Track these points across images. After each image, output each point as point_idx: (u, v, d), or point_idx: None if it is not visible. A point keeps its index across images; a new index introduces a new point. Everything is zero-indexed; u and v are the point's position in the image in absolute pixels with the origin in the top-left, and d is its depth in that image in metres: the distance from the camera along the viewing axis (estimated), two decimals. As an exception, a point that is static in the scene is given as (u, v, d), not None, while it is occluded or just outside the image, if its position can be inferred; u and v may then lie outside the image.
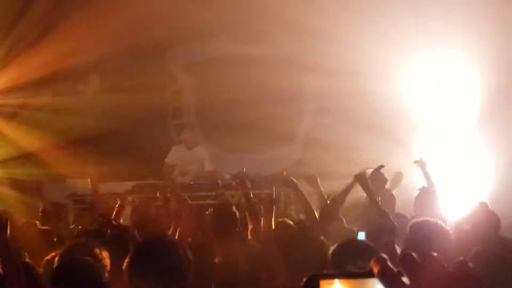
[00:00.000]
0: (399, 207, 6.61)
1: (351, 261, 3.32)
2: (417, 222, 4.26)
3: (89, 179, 7.68)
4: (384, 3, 9.41)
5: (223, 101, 9.20)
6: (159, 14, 8.95)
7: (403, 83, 9.80)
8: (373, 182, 5.35)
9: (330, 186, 6.88)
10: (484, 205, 5.05)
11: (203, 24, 9.12)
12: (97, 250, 3.73)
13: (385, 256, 2.05)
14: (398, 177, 7.87)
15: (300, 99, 9.65)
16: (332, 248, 3.65)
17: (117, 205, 6.72)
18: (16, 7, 9.35)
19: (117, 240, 4.50)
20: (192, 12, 9.02)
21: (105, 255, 3.76)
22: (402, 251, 2.01)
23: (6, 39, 9.44)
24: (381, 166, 5.63)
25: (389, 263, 1.96)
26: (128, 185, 8.61)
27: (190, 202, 5.75)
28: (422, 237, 4.05)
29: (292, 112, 9.53)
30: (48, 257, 4.12)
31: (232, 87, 9.34)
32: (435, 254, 2.02)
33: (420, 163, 6.80)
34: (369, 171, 4.92)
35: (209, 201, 7.09)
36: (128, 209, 8.03)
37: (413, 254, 2.00)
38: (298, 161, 9.06)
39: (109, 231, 4.82)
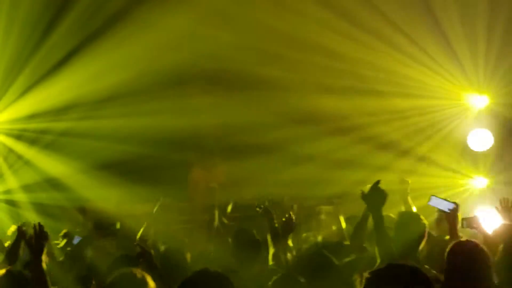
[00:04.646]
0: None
1: None
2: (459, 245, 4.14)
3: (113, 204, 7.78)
4: (401, 19, 9.37)
5: (241, 123, 9.25)
6: (180, 39, 9.06)
7: (423, 100, 9.73)
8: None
9: (351, 207, 6.86)
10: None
11: (221, 47, 9.19)
12: (140, 276, 3.65)
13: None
14: None
15: (318, 120, 9.65)
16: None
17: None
18: (38, 32, 9.49)
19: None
20: (211, 36, 9.12)
21: (150, 282, 3.66)
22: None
23: (29, 64, 9.58)
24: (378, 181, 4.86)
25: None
26: (149, 206, 8.66)
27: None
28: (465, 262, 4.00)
29: (310, 133, 9.54)
30: None
31: (250, 110, 9.39)
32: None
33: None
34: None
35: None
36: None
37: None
38: (317, 182, 9.07)
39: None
